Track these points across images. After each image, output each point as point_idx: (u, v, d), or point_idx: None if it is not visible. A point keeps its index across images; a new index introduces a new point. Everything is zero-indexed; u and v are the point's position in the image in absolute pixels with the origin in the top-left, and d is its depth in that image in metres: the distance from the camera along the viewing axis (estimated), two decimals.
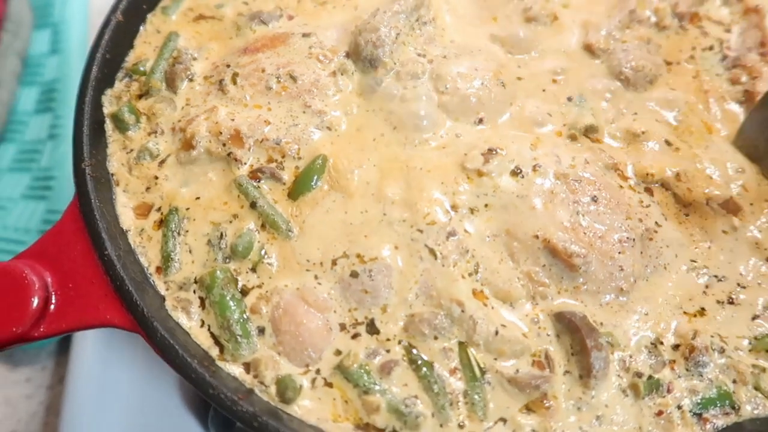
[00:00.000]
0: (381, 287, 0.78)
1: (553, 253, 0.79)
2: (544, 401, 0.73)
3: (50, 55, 1.43)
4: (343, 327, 0.77)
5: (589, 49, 0.98)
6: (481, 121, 0.91)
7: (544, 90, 0.94)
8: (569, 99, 0.94)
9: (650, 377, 0.75)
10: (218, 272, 0.79)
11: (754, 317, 0.79)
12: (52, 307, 0.76)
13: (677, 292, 0.80)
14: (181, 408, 1.01)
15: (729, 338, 0.78)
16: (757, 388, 0.75)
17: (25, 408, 1.11)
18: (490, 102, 0.92)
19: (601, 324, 0.77)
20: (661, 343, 0.77)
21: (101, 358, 1.02)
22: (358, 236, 0.81)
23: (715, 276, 0.82)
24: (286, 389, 0.73)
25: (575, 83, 0.96)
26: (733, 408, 0.75)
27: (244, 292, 0.80)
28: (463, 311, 0.75)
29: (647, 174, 0.86)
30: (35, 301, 0.74)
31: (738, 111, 0.95)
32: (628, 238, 0.80)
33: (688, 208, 0.85)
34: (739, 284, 0.82)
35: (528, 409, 0.73)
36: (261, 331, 0.78)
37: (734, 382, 0.75)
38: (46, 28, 1.46)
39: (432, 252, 0.79)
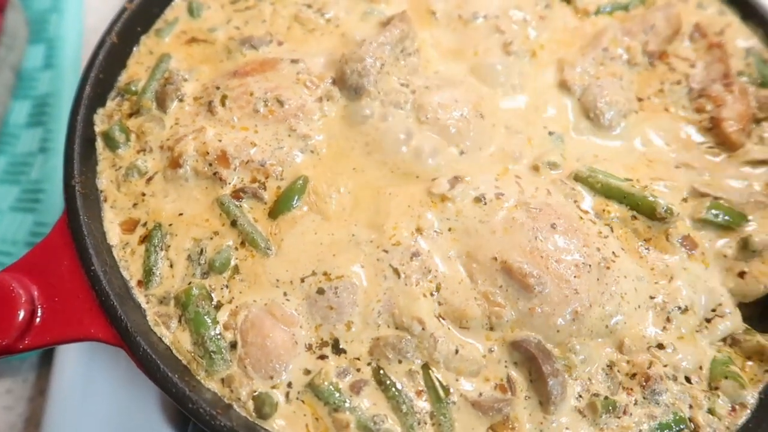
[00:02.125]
0: (346, 304, 0.81)
1: (509, 274, 0.82)
2: (508, 424, 0.76)
3: (44, 70, 1.45)
4: (309, 347, 0.80)
5: (565, 85, 1.02)
6: (461, 151, 0.95)
7: (518, 124, 0.99)
8: (550, 133, 0.99)
9: (606, 398, 0.78)
10: (194, 289, 0.83)
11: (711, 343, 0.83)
12: (38, 320, 0.78)
13: (633, 320, 0.84)
14: (161, 422, 1.02)
15: (684, 367, 0.81)
16: (711, 412, 0.78)
17: (4, 419, 1.12)
18: (469, 132, 0.96)
19: (557, 348, 0.81)
20: (618, 369, 0.80)
21: (83, 371, 1.04)
22: (327, 255, 0.85)
23: (678, 307, 0.85)
24: (263, 405, 0.75)
25: (550, 119, 1.00)
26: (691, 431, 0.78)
27: (218, 307, 0.83)
28: (423, 329, 0.79)
29: (603, 210, 0.90)
30: (21, 314, 0.76)
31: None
32: (584, 263, 0.83)
33: (648, 242, 0.89)
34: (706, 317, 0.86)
35: (493, 431, 0.76)
36: (233, 346, 0.80)
37: (690, 407, 0.79)
38: (41, 43, 1.49)
39: (396, 271, 0.83)
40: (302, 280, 0.83)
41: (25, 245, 1.22)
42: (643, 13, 1.13)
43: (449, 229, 0.87)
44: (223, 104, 0.98)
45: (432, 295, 0.82)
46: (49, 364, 1.10)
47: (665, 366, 0.81)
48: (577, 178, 0.92)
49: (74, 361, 1.05)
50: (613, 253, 0.86)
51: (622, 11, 1.15)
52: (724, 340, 0.85)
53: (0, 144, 1.37)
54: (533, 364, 0.78)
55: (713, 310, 0.86)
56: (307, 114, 0.97)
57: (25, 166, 1.33)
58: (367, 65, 0.97)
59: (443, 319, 0.81)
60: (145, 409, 1.03)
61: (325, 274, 0.83)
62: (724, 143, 0.98)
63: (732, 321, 0.86)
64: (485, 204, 0.87)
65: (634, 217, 0.89)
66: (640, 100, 1.04)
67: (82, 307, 0.79)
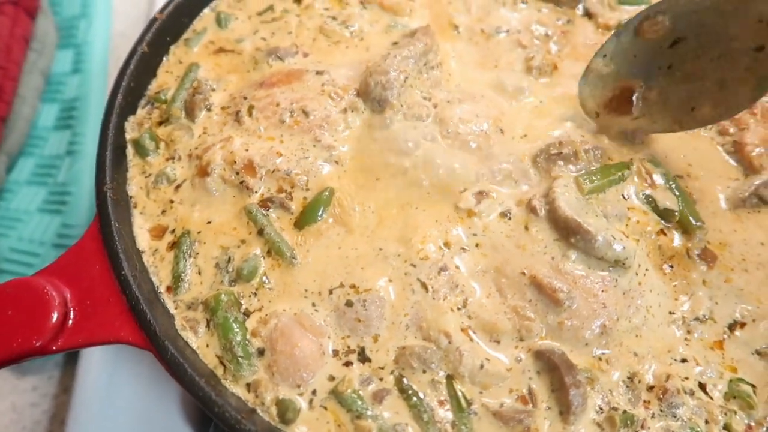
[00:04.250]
0: (374, 317, 0.83)
1: (538, 289, 0.84)
2: None
3: (72, 74, 1.49)
4: (336, 353, 0.82)
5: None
6: (482, 165, 0.96)
7: (538, 138, 0.99)
8: None
9: (625, 411, 0.79)
10: (222, 295, 0.85)
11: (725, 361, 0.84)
12: (70, 322, 0.80)
13: (659, 334, 0.85)
14: (182, 422, 1.04)
15: (702, 380, 0.82)
16: (727, 428, 0.79)
17: (30, 416, 1.15)
18: (489, 146, 0.97)
19: (582, 359, 0.82)
20: (639, 381, 0.81)
21: (108, 371, 1.07)
22: (355, 268, 0.87)
23: (697, 318, 0.87)
24: (286, 410, 0.77)
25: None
26: None
27: (247, 314, 0.85)
28: (450, 343, 0.80)
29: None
30: (54, 316, 0.79)
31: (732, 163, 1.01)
32: (611, 277, 0.85)
33: (671, 260, 0.90)
34: (724, 330, 0.86)
35: None
36: (261, 352, 0.82)
37: (706, 422, 0.79)
38: (70, 48, 1.53)
39: (424, 286, 0.85)
40: (330, 292, 0.85)
41: (52, 246, 1.25)
42: None
43: (476, 245, 0.88)
44: (250, 114, 1.00)
45: (459, 309, 0.84)
46: (73, 362, 1.13)
47: (685, 379, 0.82)
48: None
49: (99, 361, 1.08)
50: (639, 265, 0.87)
51: None
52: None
53: (28, 146, 1.41)
54: (555, 374, 0.79)
55: (734, 322, 0.87)
56: (332, 125, 0.99)
57: (53, 169, 1.37)
58: (391, 78, 0.99)
59: (474, 332, 0.83)
60: (166, 409, 1.06)
61: (353, 286, 0.85)
62: (748, 167, 0.98)
63: (754, 332, 0.87)
64: (510, 219, 0.89)
65: (661, 232, 0.91)
66: None
67: (113, 310, 0.81)
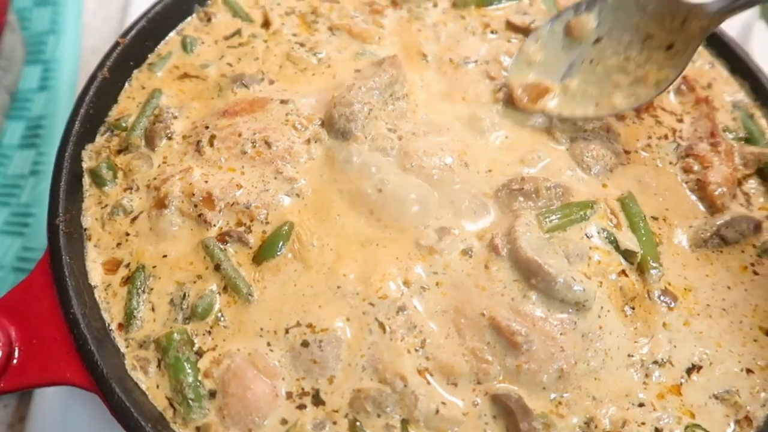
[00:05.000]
0: (330, 358, 0.81)
1: (497, 331, 0.82)
2: None
3: (39, 92, 1.46)
4: (290, 395, 0.80)
5: (553, 136, 1.03)
6: (445, 200, 0.95)
7: (503, 171, 0.99)
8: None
9: None
10: (175, 334, 0.82)
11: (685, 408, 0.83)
12: (15, 361, 0.78)
13: (618, 377, 0.84)
14: None
15: (660, 426, 0.81)
16: None
17: None
18: (453, 181, 0.96)
19: (540, 403, 0.81)
20: (596, 426, 0.81)
21: (63, 401, 1.04)
22: (313, 306, 0.85)
23: (656, 362, 0.86)
24: None
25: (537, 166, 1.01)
26: None
27: (200, 353, 0.83)
28: (405, 386, 0.79)
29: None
30: None
31: (693, 199, 1.01)
32: (570, 320, 0.84)
33: (633, 301, 0.89)
34: (682, 374, 0.86)
35: None
36: (212, 394, 0.80)
37: None
38: (38, 64, 1.50)
39: (381, 326, 0.83)
40: (286, 331, 0.83)
41: (11, 270, 1.22)
42: None
43: (437, 284, 0.87)
44: (211, 144, 0.98)
45: (417, 350, 0.82)
46: (30, 390, 1.10)
47: (641, 425, 0.81)
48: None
49: (55, 391, 1.05)
50: (601, 307, 0.86)
51: None
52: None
53: None
54: (511, 420, 0.78)
55: (692, 366, 0.87)
56: (294, 156, 0.98)
57: (16, 189, 1.34)
58: (355, 110, 0.98)
59: (430, 374, 0.81)
60: None
61: (309, 325, 0.83)
62: (711, 206, 0.98)
63: (710, 375, 0.86)
64: (471, 257, 0.88)
65: (622, 273, 0.90)
66: (627, 152, 1.04)
67: (60, 350, 0.79)
